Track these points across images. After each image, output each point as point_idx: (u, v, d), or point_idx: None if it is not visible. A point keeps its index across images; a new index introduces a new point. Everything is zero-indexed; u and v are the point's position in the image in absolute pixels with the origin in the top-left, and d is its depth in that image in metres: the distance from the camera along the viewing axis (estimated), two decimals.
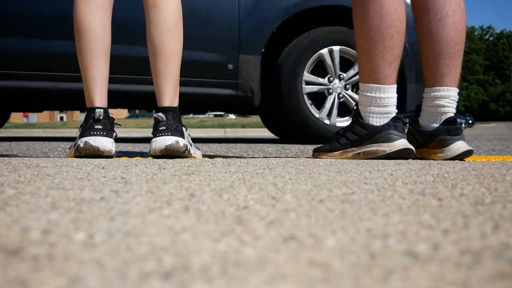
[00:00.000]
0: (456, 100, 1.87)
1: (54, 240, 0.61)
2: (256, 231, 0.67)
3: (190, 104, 4.08)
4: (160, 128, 1.94)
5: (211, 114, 35.56)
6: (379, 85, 1.78)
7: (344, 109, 3.93)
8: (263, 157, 2.33)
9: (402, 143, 1.79)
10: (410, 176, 1.33)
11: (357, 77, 3.79)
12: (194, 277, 0.48)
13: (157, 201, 0.89)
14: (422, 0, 1.86)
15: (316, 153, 2.07)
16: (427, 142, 1.86)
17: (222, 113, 33.49)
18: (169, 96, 2.02)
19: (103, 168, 1.46)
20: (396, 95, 1.84)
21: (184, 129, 2.00)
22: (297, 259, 0.54)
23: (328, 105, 3.83)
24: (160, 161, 1.75)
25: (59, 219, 0.73)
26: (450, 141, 1.80)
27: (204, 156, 2.32)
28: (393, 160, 1.80)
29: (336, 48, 3.82)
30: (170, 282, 0.46)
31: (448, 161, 1.83)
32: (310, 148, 3.22)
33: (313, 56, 3.80)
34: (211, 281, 0.47)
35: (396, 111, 1.86)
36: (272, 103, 3.94)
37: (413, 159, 1.89)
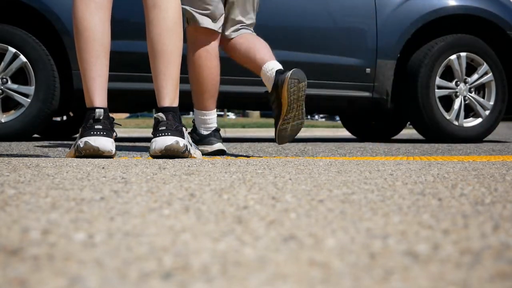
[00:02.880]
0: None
1: (54, 240, 0.61)
2: (256, 231, 0.67)
3: (327, 106, 4.48)
4: (160, 128, 1.94)
5: None
6: (205, 111, 2.62)
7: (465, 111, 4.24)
8: (263, 157, 2.33)
9: (218, 145, 2.56)
10: (410, 176, 1.33)
11: (480, 80, 4.17)
12: (194, 277, 0.48)
13: (157, 201, 0.89)
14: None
15: None
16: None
17: (222, 113, 33.45)
18: (169, 96, 2.02)
19: (103, 168, 1.46)
20: (215, 115, 2.66)
21: (184, 129, 2.01)
22: (297, 259, 0.54)
23: (456, 107, 4.13)
24: (160, 161, 1.75)
25: (59, 219, 0.73)
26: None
27: (204, 156, 2.32)
28: (393, 160, 1.80)
29: (463, 54, 4.15)
30: (170, 282, 0.46)
31: (448, 161, 1.84)
32: (310, 148, 3.22)
33: (444, 62, 4.15)
34: (211, 281, 0.47)
35: (216, 125, 2.62)
36: (405, 106, 4.24)
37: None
